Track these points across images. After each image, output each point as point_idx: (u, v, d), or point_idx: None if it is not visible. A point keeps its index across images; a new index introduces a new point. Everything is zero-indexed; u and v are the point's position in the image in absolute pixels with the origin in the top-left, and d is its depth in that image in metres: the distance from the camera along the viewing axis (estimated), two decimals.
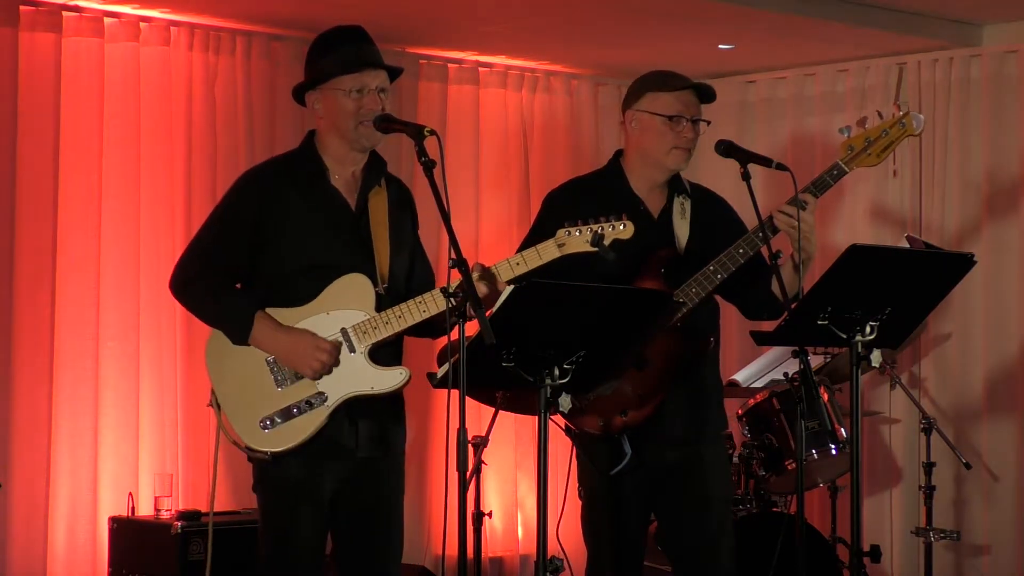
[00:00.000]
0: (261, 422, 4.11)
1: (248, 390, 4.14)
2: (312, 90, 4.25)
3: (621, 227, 4.08)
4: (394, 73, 4.28)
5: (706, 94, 4.61)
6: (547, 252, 4.11)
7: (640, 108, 4.60)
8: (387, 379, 4.16)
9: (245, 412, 4.13)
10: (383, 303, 4.16)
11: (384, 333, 4.14)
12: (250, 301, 4.17)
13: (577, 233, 4.09)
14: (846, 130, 4.48)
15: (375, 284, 4.18)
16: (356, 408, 4.17)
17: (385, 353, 4.19)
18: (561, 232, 4.10)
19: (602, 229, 4.06)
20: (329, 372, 4.12)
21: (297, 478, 4.14)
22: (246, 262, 4.21)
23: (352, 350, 4.14)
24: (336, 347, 4.12)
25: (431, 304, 4.10)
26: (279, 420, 4.12)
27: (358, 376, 4.14)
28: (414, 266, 4.36)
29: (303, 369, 4.12)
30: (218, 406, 4.16)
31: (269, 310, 4.15)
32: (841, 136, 4.47)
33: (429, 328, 4.20)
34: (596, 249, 4.05)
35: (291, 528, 4.17)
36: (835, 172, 4.47)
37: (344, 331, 4.14)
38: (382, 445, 4.24)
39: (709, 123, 4.65)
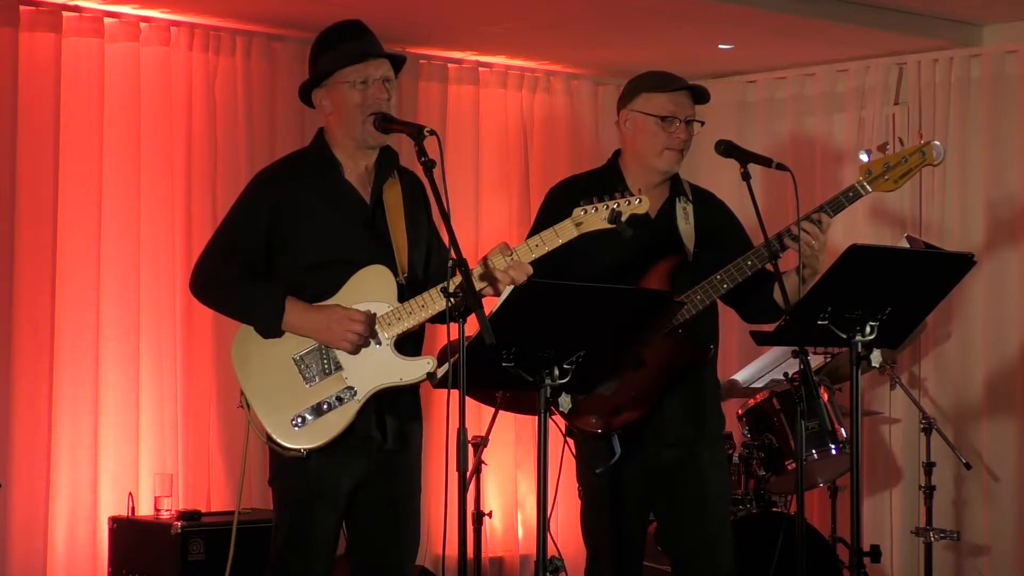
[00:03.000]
0: (293, 420, 4.11)
1: (277, 389, 4.13)
2: (318, 88, 4.25)
3: (637, 202, 4.06)
4: (397, 63, 4.28)
5: (700, 95, 4.62)
6: (565, 231, 4.09)
7: (634, 108, 4.61)
8: (414, 369, 4.14)
9: (276, 411, 4.12)
10: (405, 294, 4.16)
11: (409, 323, 4.13)
12: (276, 287, 4.14)
13: (594, 211, 4.07)
14: (867, 153, 4.49)
15: (395, 275, 4.18)
16: (381, 402, 4.16)
17: (409, 344, 4.19)
18: (578, 211, 4.08)
19: (618, 205, 4.05)
20: (367, 344, 4.10)
21: (319, 475, 4.13)
22: (263, 261, 4.20)
23: (378, 342, 4.13)
24: (369, 317, 4.10)
25: None
26: (310, 417, 4.11)
27: (386, 368, 4.13)
28: (431, 256, 4.34)
29: (340, 344, 4.09)
30: (248, 406, 4.15)
31: None
32: (861, 159, 4.48)
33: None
34: (614, 226, 4.03)
35: (307, 526, 4.17)
36: (851, 194, 4.48)
37: None
38: (403, 440, 4.25)
39: (703, 124, 4.66)
